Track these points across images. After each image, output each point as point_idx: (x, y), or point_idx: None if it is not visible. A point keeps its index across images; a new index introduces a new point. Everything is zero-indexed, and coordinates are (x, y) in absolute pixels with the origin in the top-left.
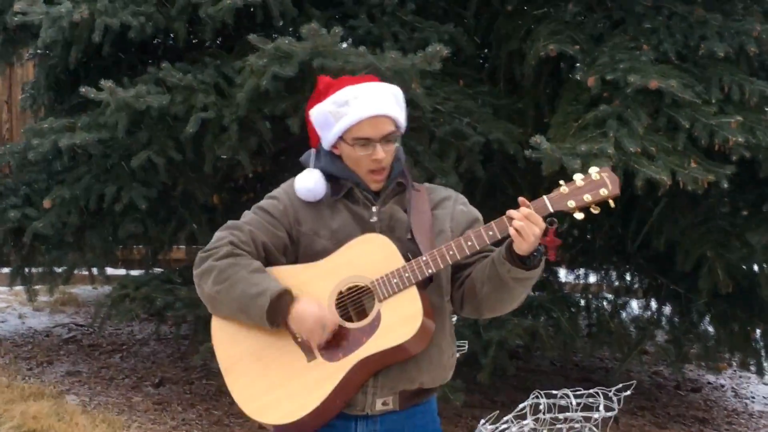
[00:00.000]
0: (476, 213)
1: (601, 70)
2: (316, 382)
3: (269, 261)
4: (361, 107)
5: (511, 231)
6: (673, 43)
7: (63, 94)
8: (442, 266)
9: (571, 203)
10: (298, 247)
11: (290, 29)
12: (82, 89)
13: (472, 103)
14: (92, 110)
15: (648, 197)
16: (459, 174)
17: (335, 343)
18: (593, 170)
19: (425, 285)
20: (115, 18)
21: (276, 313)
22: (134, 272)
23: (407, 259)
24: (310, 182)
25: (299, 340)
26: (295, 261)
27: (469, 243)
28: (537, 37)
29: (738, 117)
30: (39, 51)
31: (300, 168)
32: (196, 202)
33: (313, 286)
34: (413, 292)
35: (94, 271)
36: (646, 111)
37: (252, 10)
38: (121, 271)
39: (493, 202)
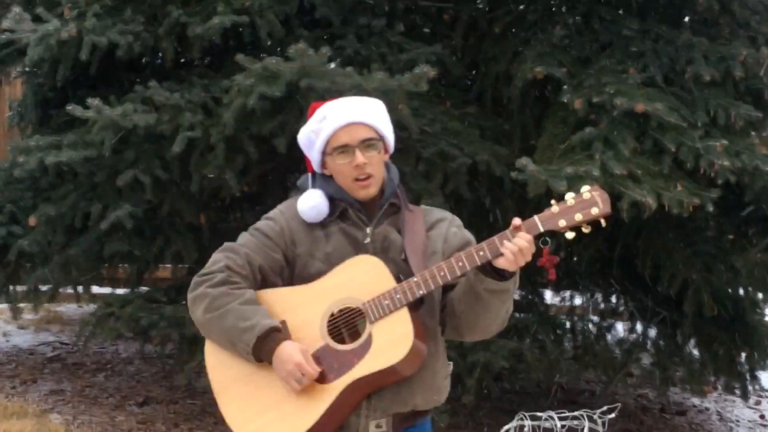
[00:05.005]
0: (469, 236)
1: (587, 92)
2: (308, 405)
3: (265, 283)
4: (336, 117)
5: (501, 259)
6: (660, 66)
7: (50, 112)
8: (433, 287)
9: (562, 222)
10: (293, 268)
11: (278, 49)
12: (69, 107)
13: (459, 125)
14: (79, 128)
15: (634, 220)
16: (445, 195)
17: (327, 365)
18: (584, 189)
19: (417, 306)
20: (103, 36)
21: (262, 351)
22: (119, 291)
23: (399, 281)
24: (313, 201)
25: None
26: (291, 282)
27: (460, 264)
28: (524, 60)
29: (724, 141)
30: (26, 69)
31: (286, 190)
32: (182, 221)
33: (306, 309)
34: (404, 313)
35: (80, 289)
36: (632, 134)
37: (240, 29)
38: (107, 290)
39: (479, 224)
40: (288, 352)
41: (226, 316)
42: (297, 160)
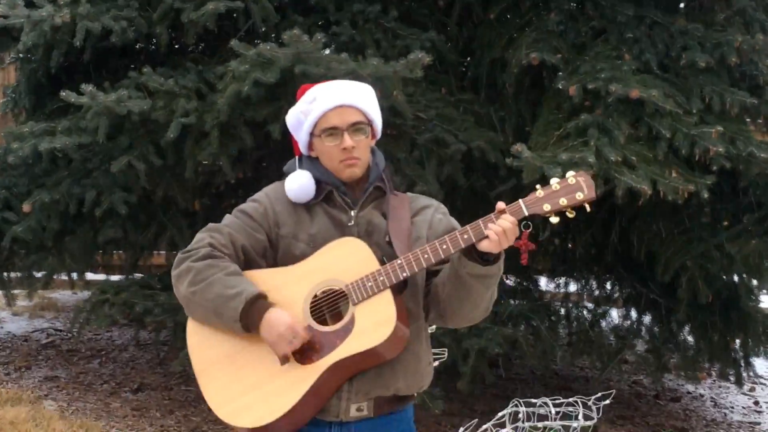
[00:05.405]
0: (454, 223)
1: (582, 79)
2: (289, 385)
3: (248, 264)
4: (326, 99)
5: (484, 242)
6: (655, 53)
7: (44, 98)
8: (416, 270)
9: (547, 207)
10: (277, 250)
11: (273, 35)
12: (63, 93)
13: (454, 111)
14: (73, 114)
15: (628, 207)
16: (440, 181)
17: (309, 347)
18: (569, 174)
19: (401, 290)
20: (97, 22)
21: (249, 317)
22: (114, 277)
23: (383, 263)
24: (300, 181)
25: None
26: (275, 264)
27: (444, 246)
28: (519, 46)
29: (719, 127)
30: (20, 55)
31: (281, 176)
32: (177, 207)
33: (289, 290)
34: (387, 295)
35: (74, 276)
36: (627, 120)
37: (234, 15)
38: (101, 277)
39: (473, 210)
40: (278, 315)
41: (212, 287)
42: (291, 147)
